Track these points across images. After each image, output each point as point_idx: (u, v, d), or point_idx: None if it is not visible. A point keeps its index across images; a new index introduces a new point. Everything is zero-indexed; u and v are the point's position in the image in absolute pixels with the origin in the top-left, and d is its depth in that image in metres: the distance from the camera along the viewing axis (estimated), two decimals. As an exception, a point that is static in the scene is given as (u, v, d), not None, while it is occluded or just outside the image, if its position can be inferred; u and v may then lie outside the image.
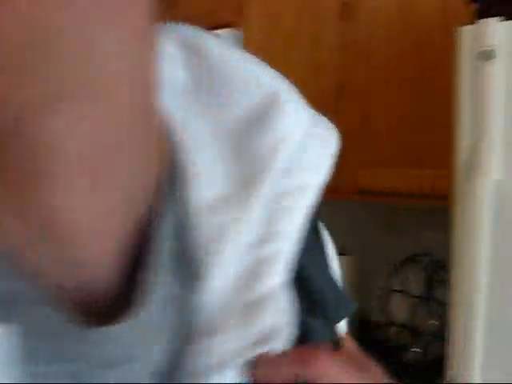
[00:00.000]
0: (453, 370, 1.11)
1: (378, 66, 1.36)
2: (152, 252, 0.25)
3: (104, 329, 0.23)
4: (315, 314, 0.31)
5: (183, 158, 0.28)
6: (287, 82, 0.33)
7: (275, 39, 1.60)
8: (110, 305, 0.24)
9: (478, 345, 1.05)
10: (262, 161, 0.28)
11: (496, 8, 1.09)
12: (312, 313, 0.30)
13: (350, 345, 0.38)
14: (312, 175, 0.30)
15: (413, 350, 1.58)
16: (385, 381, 0.32)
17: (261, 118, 0.29)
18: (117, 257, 0.24)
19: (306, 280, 0.31)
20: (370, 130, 1.39)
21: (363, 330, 1.61)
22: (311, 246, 0.32)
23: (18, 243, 0.22)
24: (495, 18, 1.04)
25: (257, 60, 0.32)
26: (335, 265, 0.37)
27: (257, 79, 0.31)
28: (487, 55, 1.05)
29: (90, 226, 0.23)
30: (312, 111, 0.33)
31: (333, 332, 0.34)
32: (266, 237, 0.28)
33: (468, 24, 1.07)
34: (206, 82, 0.29)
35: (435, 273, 1.61)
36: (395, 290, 1.71)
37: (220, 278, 0.27)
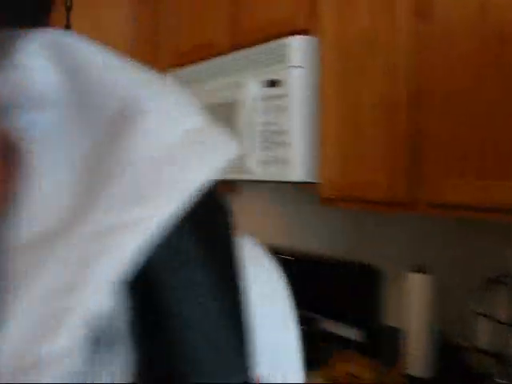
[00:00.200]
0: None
1: (456, 68, 1.26)
2: None
3: None
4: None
5: (27, 185, 0.25)
6: (169, 84, 0.29)
7: (350, 44, 1.53)
8: None
9: None
10: (99, 189, 0.24)
11: None
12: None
13: None
14: (159, 204, 0.25)
15: (498, 380, 1.45)
16: None
17: (114, 135, 0.25)
18: None
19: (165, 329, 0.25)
20: (449, 138, 1.29)
21: (446, 354, 1.51)
22: (188, 285, 0.26)
23: None
24: None
25: (132, 65, 0.29)
26: (265, 310, 0.31)
27: (114, 88, 0.27)
28: None
29: None
30: (196, 119, 0.28)
31: None
32: (70, 285, 0.23)
33: None
34: (76, 92, 0.27)
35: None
36: (479, 313, 1.59)
37: (14, 327, 0.23)
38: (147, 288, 0.25)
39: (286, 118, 1.66)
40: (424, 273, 1.61)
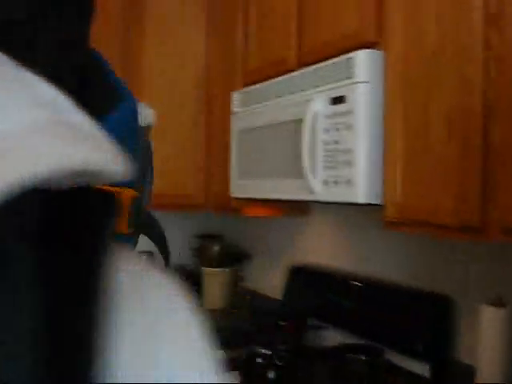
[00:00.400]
0: None
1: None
2: None
3: None
4: None
5: None
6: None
7: (418, 57, 1.44)
8: None
9: None
10: None
11: None
12: None
13: None
14: None
15: None
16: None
17: None
18: None
19: None
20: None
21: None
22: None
23: None
24: None
25: None
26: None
27: None
28: None
29: None
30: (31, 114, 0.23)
31: None
32: None
33: None
34: None
35: None
36: None
37: None
38: None
39: (351, 135, 1.58)
40: (500, 306, 1.47)
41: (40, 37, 0.38)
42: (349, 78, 1.59)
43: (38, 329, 0.21)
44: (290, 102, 1.85)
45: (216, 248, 2.91)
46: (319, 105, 1.69)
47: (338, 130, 1.62)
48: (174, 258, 3.03)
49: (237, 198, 2.24)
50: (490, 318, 1.50)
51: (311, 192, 1.73)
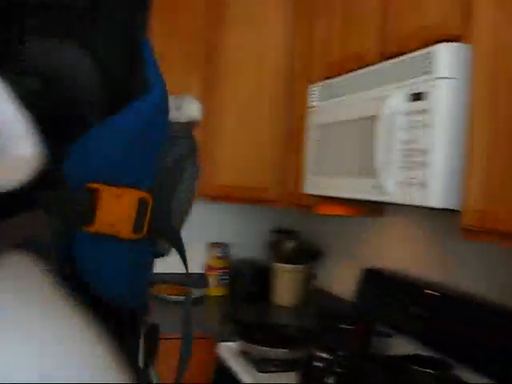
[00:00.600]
0: None
1: None
2: None
3: None
4: None
5: None
6: None
7: (509, 50, 1.32)
8: None
9: None
10: None
11: None
12: None
13: None
14: None
15: None
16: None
17: None
18: None
19: None
20: None
21: None
22: None
23: None
24: None
25: None
26: None
27: None
28: None
29: None
30: None
31: None
32: None
33: None
34: None
35: None
36: None
37: None
38: None
39: (429, 135, 1.48)
40: None
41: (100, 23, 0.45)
42: (429, 73, 1.48)
43: None
44: (366, 98, 1.77)
45: (290, 244, 2.86)
46: (397, 101, 1.60)
47: (415, 128, 1.53)
48: (248, 251, 3.02)
49: (310, 195, 2.18)
50: None
51: (384, 193, 1.64)
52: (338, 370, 1.51)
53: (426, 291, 1.89)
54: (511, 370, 1.52)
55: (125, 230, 0.47)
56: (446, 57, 1.45)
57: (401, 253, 2.20)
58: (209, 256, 2.98)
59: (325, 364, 1.51)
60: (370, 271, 2.27)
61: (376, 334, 1.94)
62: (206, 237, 3.00)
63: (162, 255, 0.54)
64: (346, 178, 1.87)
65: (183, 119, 0.55)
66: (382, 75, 1.71)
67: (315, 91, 2.15)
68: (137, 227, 0.47)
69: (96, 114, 0.46)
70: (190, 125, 0.56)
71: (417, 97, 1.53)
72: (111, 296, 0.50)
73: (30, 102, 0.44)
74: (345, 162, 1.88)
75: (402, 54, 1.63)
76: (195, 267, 2.98)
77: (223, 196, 2.65)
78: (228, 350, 2.11)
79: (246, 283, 2.88)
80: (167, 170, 0.52)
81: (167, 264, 2.95)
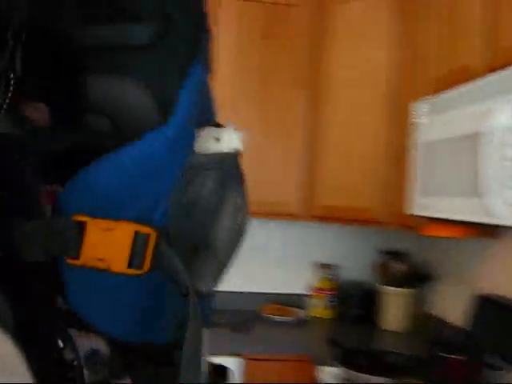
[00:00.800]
0: None
1: None
2: None
3: None
4: None
5: None
6: None
7: None
8: None
9: None
10: None
11: None
12: None
13: None
14: None
15: None
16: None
17: None
18: None
19: None
20: None
21: None
22: None
23: None
24: None
25: None
26: None
27: None
28: None
29: None
30: None
31: None
32: None
33: None
34: None
35: None
36: None
37: None
38: None
39: (541, 152, 1.36)
40: None
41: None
42: (540, 85, 1.37)
43: None
44: (473, 113, 1.67)
45: (399, 266, 2.75)
46: (505, 116, 1.49)
47: (525, 144, 1.41)
48: (355, 272, 2.95)
49: (417, 215, 2.08)
50: None
51: (493, 214, 1.53)
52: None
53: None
54: None
55: (117, 265, 0.45)
56: (559, 66, 1.33)
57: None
58: (316, 277, 2.94)
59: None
60: (484, 298, 2.12)
61: (486, 365, 1.80)
62: (312, 257, 2.97)
63: (185, 295, 0.50)
64: (452, 198, 1.77)
65: (223, 150, 0.54)
66: (489, 89, 1.61)
67: (420, 108, 2.06)
68: (134, 262, 0.45)
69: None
70: (232, 156, 0.55)
71: (527, 111, 1.41)
72: (106, 329, 0.48)
73: (100, 142, 0.45)
74: (451, 180, 1.78)
75: (510, 65, 1.52)
76: (299, 288, 2.96)
77: (328, 216, 2.62)
78: (329, 375, 2.06)
79: (353, 306, 2.80)
80: (192, 205, 0.50)
81: (274, 284, 2.95)
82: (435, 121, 1.93)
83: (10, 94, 0.52)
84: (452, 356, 1.83)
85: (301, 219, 2.69)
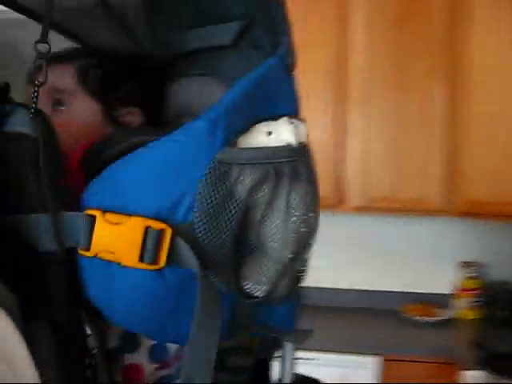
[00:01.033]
0: None
1: None
2: None
3: None
4: None
5: None
6: None
7: None
8: None
9: None
10: None
11: None
12: None
13: None
14: None
15: None
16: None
17: None
18: None
19: None
20: None
21: None
22: None
23: None
24: None
25: None
26: None
27: None
28: None
29: None
30: None
31: None
32: None
33: None
34: None
35: None
36: None
37: None
38: None
39: None
40: None
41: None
42: None
43: None
44: None
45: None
46: None
47: None
48: (503, 272, 2.77)
49: None
50: None
51: None
52: None
53: None
54: None
55: (127, 259, 0.45)
56: None
57: None
58: (460, 276, 2.81)
59: None
60: None
61: None
62: (457, 255, 2.84)
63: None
64: None
65: (274, 144, 0.51)
66: None
67: None
68: (146, 257, 0.45)
69: None
70: (281, 150, 0.50)
71: None
72: (125, 325, 0.49)
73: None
74: None
75: None
76: (444, 287, 2.84)
77: (473, 212, 2.48)
78: (473, 380, 1.97)
79: (500, 307, 2.63)
80: (228, 200, 0.47)
81: (416, 283, 2.83)
82: None
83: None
84: None
85: (444, 215, 2.58)
